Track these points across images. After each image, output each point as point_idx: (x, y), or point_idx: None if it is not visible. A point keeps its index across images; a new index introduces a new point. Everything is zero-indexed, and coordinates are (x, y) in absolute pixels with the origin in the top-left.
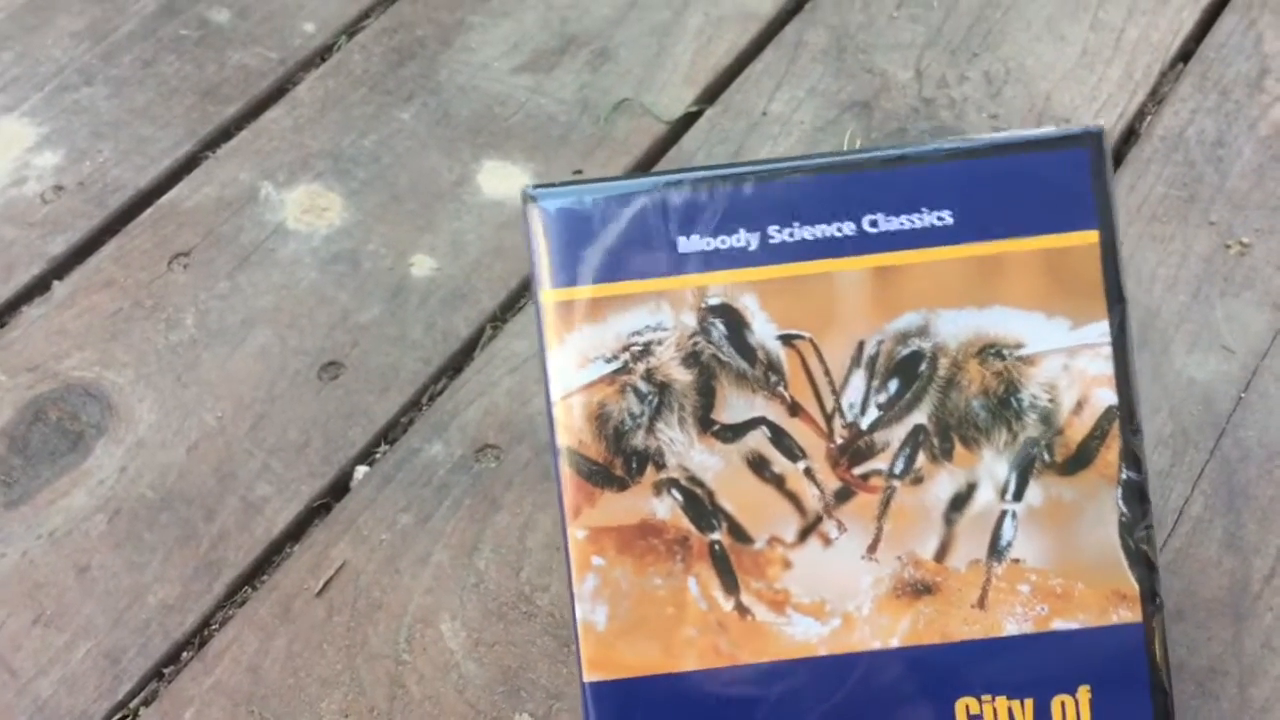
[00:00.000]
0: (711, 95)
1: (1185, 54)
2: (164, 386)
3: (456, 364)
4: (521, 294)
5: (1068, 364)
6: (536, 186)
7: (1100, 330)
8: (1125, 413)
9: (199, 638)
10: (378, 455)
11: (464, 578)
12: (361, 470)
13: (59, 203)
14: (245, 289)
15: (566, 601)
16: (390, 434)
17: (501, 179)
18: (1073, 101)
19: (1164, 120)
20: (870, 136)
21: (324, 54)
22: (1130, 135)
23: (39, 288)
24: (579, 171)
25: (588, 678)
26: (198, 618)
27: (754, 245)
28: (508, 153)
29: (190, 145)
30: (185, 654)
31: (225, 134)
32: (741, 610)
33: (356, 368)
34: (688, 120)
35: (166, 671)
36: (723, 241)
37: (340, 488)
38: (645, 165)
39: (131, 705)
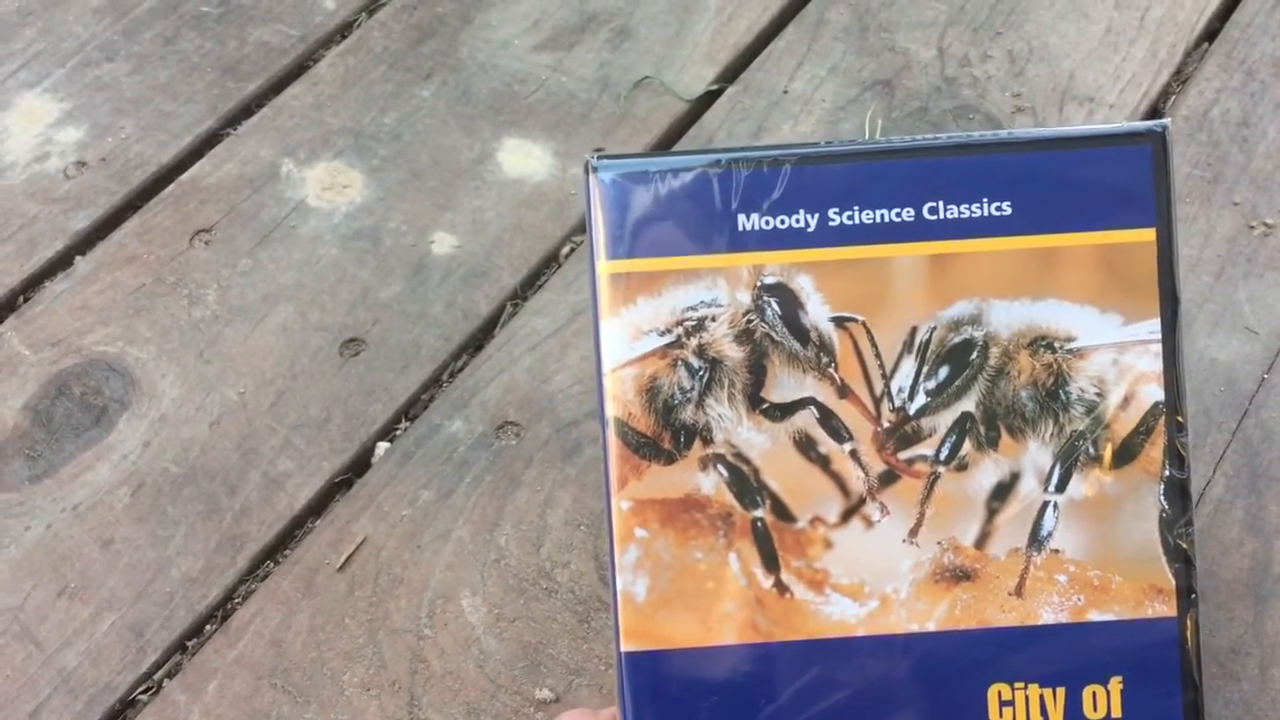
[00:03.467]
0: (732, 74)
1: (1210, 33)
2: (186, 362)
3: (477, 341)
4: (542, 271)
5: (1117, 359)
6: (600, 157)
7: (1151, 327)
8: (1172, 409)
9: (222, 611)
10: (399, 432)
11: (484, 554)
12: (383, 446)
13: (81, 178)
14: (267, 265)
15: (586, 578)
16: (411, 410)
17: (522, 157)
18: (1096, 81)
19: (1188, 100)
20: (891, 116)
21: (345, 31)
22: (1154, 115)
23: (62, 263)
24: (599, 150)
25: (625, 647)
26: (221, 591)
27: (813, 226)
28: (528, 131)
29: (212, 122)
30: (209, 627)
31: (246, 111)
32: (781, 588)
33: (378, 345)
34: (708, 99)
35: (190, 644)
36: (782, 221)
37: (362, 464)
38: (666, 144)
39: (155, 677)
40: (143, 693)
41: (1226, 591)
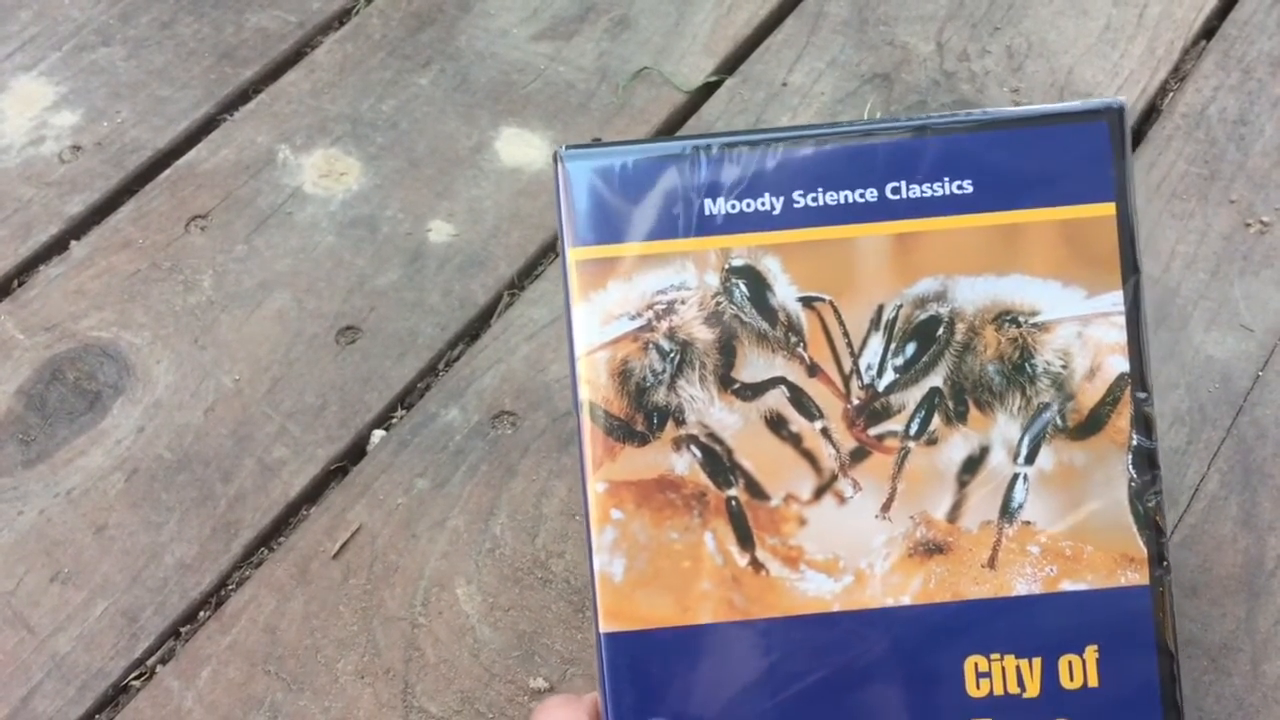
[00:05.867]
0: (731, 65)
1: (1208, 31)
2: (181, 348)
3: (474, 330)
4: (539, 261)
5: (1082, 331)
6: (568, 148)
7: (1114, 300)
8: (1137, 380)
9: (216, 597)
10: (394, 420)
11: (480, 543)
12: (378, 434)
13: (77, 163)
14: (263, 252)
15: (581, 568)
16: (407, 399)
17: (520, 146)
18: (1095, 77)
19: (1186, 97)
20: (890, 109)
21: (343, 18)
22: (1152, 112)
23: (57, 247)
24: (598, 139)
25: (604, 628)
26: (215, 578)
27: (778, 209)
28: (526, 120)
29: (208, 107)
30: (202, 613)
31: (243, 96)
32: (756, 565)
33: (374, 332)
34: (707, 90)
35: (184, 630)
36: (748, 205)
37: (357, 451)
38: (664, 134)
39: (149, 663)
40: (136, 678)
41: (1219, 587)
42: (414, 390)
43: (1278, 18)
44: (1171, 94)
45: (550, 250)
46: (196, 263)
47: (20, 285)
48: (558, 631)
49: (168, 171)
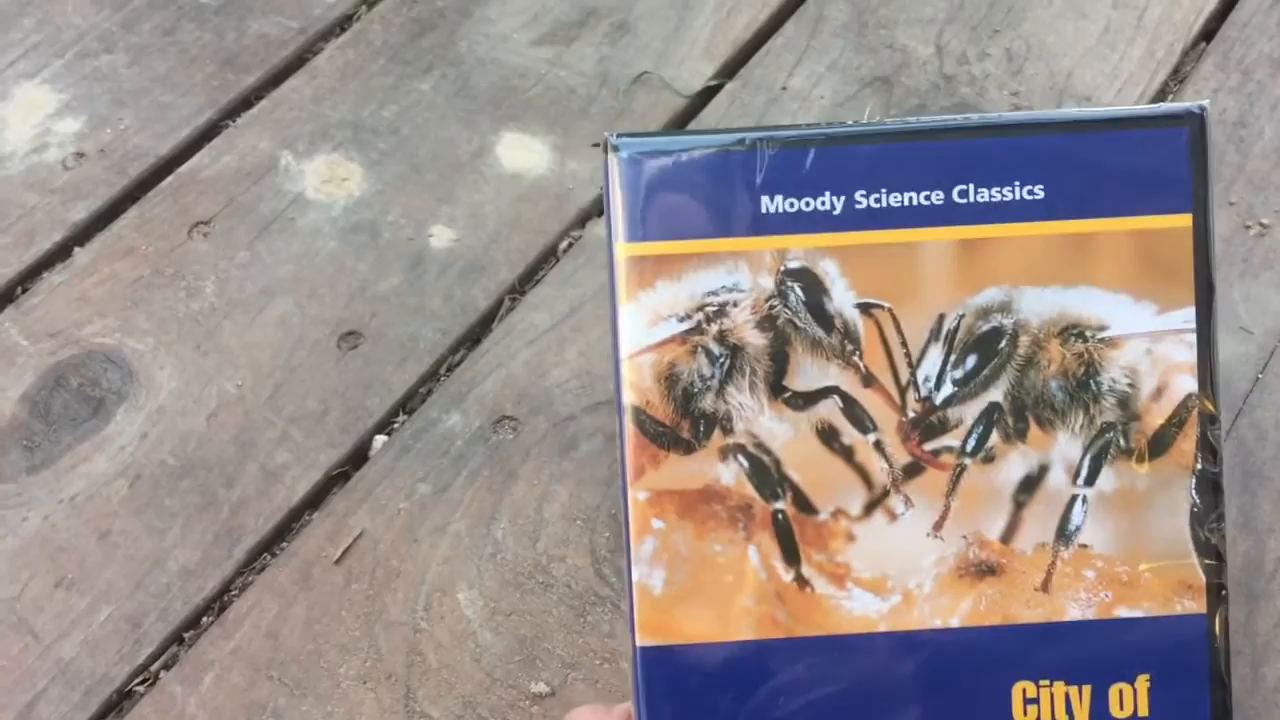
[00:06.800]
0: (731, 70)
1: (1208, 33)
2: (184, 354)
3: (475, 335)
4: (540, 266)
5: (1151, 349)
6: (619, 134)
7: (1186, 316)
8: (1205, 402)
9: (219, 603)
10: (396, 425)
11: (481, 548)
12: (380, 440)
13: (80, 169)
14: (265, 258)
15: (583, 572)
16: (409, 404)
17: (521, 151)
18: (1094, 80)
19: (1185, 100)
20: (889, 113)
21: (344, 24)
22: None
23: (60, 254)
24: (597, 145)
25: (640, 642)
26: (218, 583)
27: (839, 209)
28: (527, 125)
29: (210, 114)
30: (205, 619)
31: (245, 103)
32: (801, 582)
33: (375, 338)
34: (707, 94)
35: (187, 636)
36: (806, 204)
37: (359, 457)
38: None
39: (152, 669)
40: (140, 684)
41: None
42: (415, 395)
43: (1277, 19)
44: (1171, 96)
45: (551, 255)
46: (199, 269)
47: (24, 292)
48: (559, 636)
49: (170, 178)
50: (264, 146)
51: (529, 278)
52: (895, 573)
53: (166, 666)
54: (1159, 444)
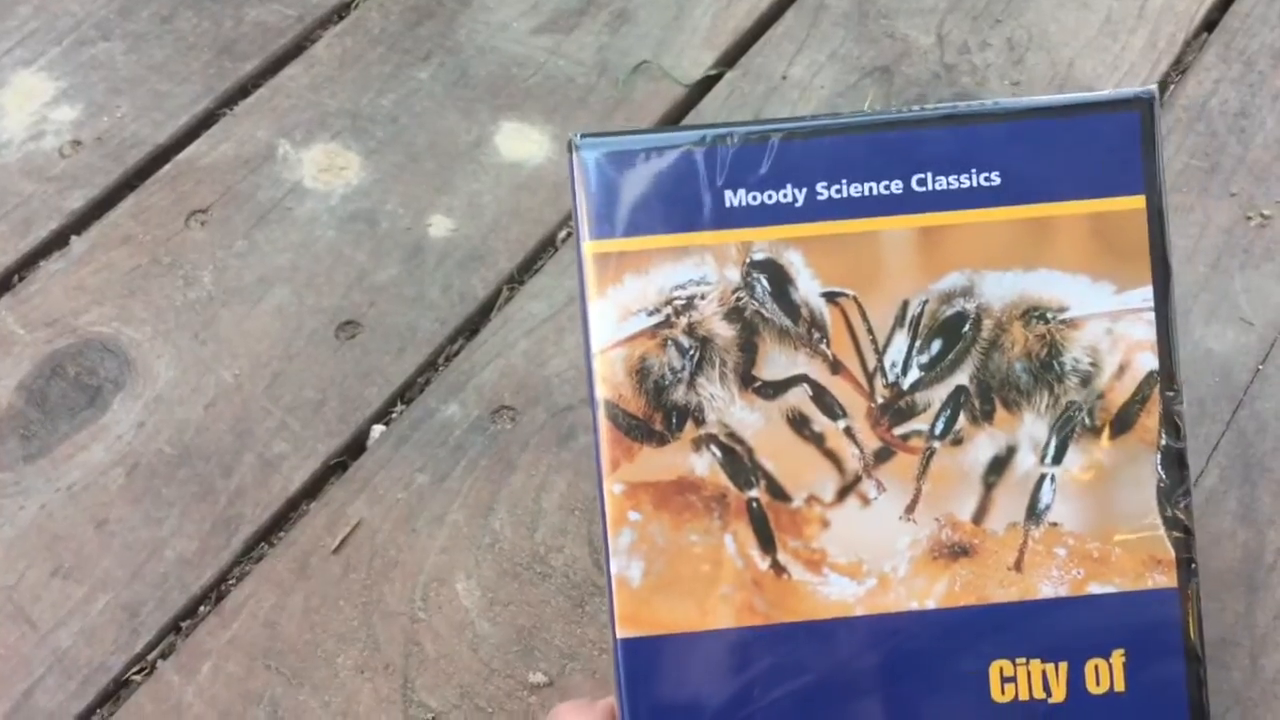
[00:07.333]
0: (730, 59)
1: (1210, 23)
2: (182, 343)
3: (473, 325)
4: (539, 255)
5: (1111, 328)
6: (583, 135)
7: (1144, 295)
8: (1166, 378)
9: (216, 592)
10: (394, 415)
11: (479, 538)
12: (378, 429)
13: (77, 158)
14: (263, 247)
15: (581, 563)
16: (407, 394)
17: (519, 141)
18: (1095, 69)
19: (1187, 90)
20: (890, 103)
21: (342, 11)
22: None
23: (57, 243)
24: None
25: (620, 634)
26: (215, 573)
27: (801, 201)
28: (526, 114)
29: (208, 102)
30: (203, 608)
31: (243, 91)
32: (778, 569)
33: (373, 327)
34: (706, 84)
35: (184, 625)
36: (769, 197)
37: (357, 446)
38: (664, 128)
39: (149, 658)
40: (136, 673)
41: (1218, 581)
42: (414, 385)
43: (1279, 10)
44: (1172, 87)
45: (550, 245)
46: (197, 258)
47: (21, 280)
48: (557, 626)
49: (167, 166)
50: (262, 135)
51: (528, 267)
52: (870, 557)
53: (164, 656)
54: (1123, 421)
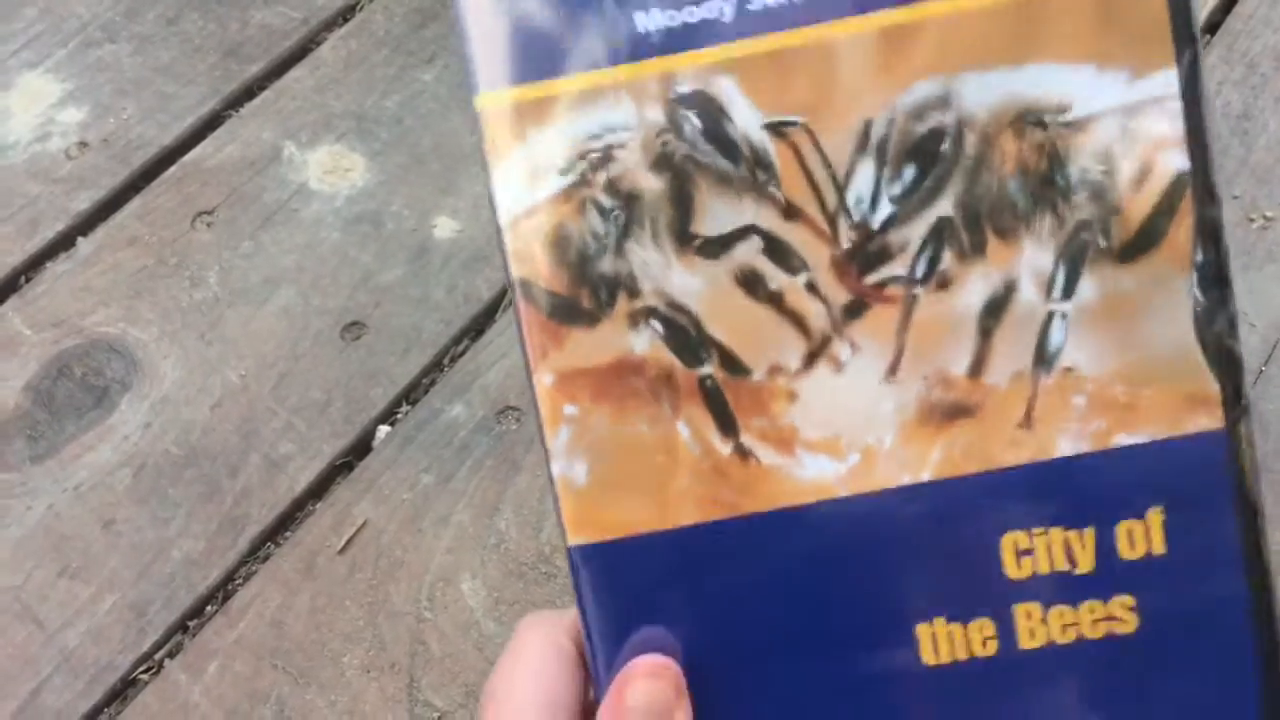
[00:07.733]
0: None
1: (1212, 26)
2: (188, 344)
3: (478, 326)
4: None
5: (1126, 126)
6: None
7: (1167, 80)
8: (1200, 179)
9: (223, 592)
10: (399, 415)
11: (485, 538)
12: (383, 430)
13: (83, 159)
14: (268, 248)
15: None
16: (412, 394)
17: None
18: None
19: None
20: None
21: (347, 14)
22: None
23: (64, 244)
24: None
25: (572, 541)
26: (222, 573)
27: (729, 15)
28: None
29: (213, 104)
30: (209, 608)
31: (248, 93)
32: (742, 454)
33: (379, 328)
34: None
35: (191, 625)
36: (690, 14)
37: (362, 447)
38: None
39: (156, 657)
40: (144, 672)
41: None
42: (419, 386)
43: None
44: None
45: None
46: (203, 259)
47: (28, 282)
48: None
49: (174, 168)
50: (267, 137)
51: None
52: (849, 430)
53: (171, 655)
54: (1147, 238)
